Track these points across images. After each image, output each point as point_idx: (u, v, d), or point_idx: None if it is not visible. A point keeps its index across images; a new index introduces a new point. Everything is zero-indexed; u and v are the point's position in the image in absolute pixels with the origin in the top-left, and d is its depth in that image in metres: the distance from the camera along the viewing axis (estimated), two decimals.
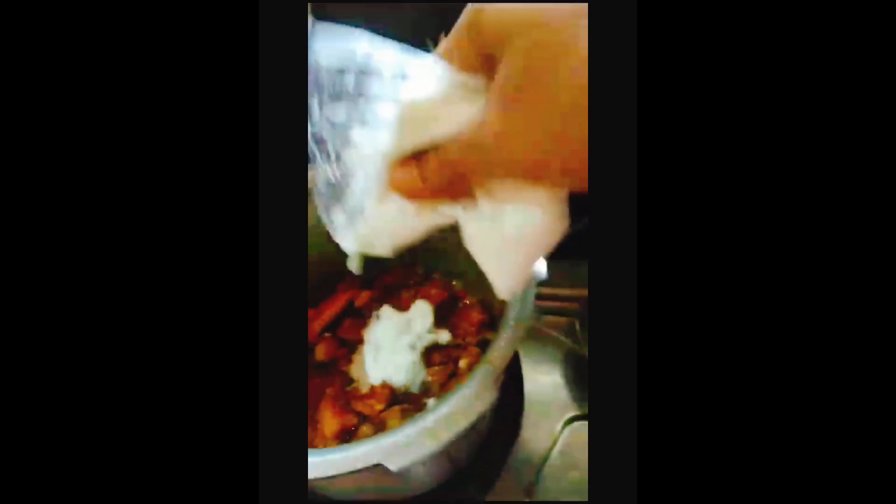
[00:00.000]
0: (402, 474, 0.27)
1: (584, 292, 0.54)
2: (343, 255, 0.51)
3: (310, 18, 0.23)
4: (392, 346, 0.43)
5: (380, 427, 0.38)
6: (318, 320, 0.47)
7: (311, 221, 0.47)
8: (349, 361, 0.45)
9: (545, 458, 0.44)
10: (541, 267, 0.35)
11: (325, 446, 0.39)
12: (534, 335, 0.52)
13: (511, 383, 0.47)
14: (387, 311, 0.46)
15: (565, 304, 0.54)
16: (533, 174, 0.19)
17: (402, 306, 0.48)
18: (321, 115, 0.23)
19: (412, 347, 0.43)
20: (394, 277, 0.52)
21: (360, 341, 0.46)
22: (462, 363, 0.42)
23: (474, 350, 0.43)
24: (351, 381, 0.44)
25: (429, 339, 0.43)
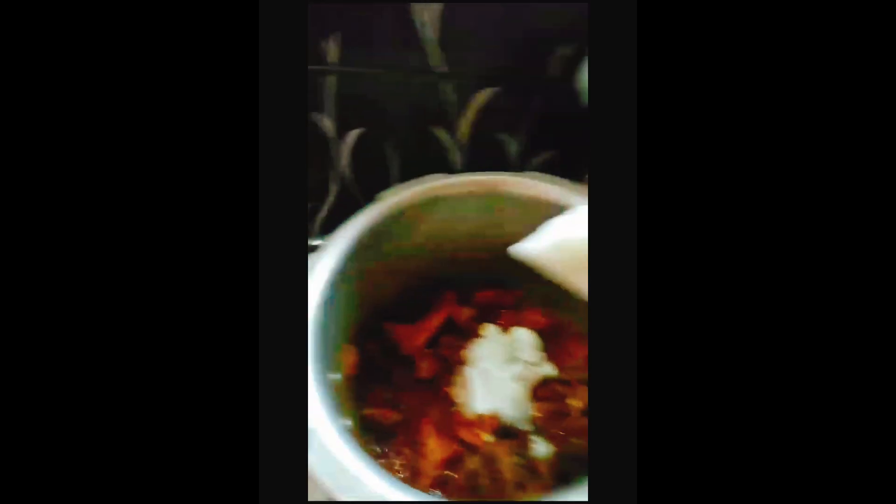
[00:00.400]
0: None
1: None
2: (437, 275, 0.51)
3: None
4: (500, 373, 0.41)
5: (489, 461, 0.38)
6: (421, 335, 0.46)
7: (417, 241, 0.47)
8: (451, 383, 0.44)
9: None
10: None
11: (430, 474, 0.38)
12: None
13: None
14: (492, 331, 0.45)
15: None
16: None
17: (503, 329, 0.47)
18: None
19: (521, 378, 0.41)
20: (492, 296, 0.50)
21: (461, 362, 0.45)
22: (573, 403, 0.41)
23: (585, 389, 0.42)
24: (454, 403, 0.43)
25: (538, 371, 0.42)
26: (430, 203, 0.45)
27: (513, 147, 0.53)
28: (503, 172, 0.44)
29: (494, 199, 0.44)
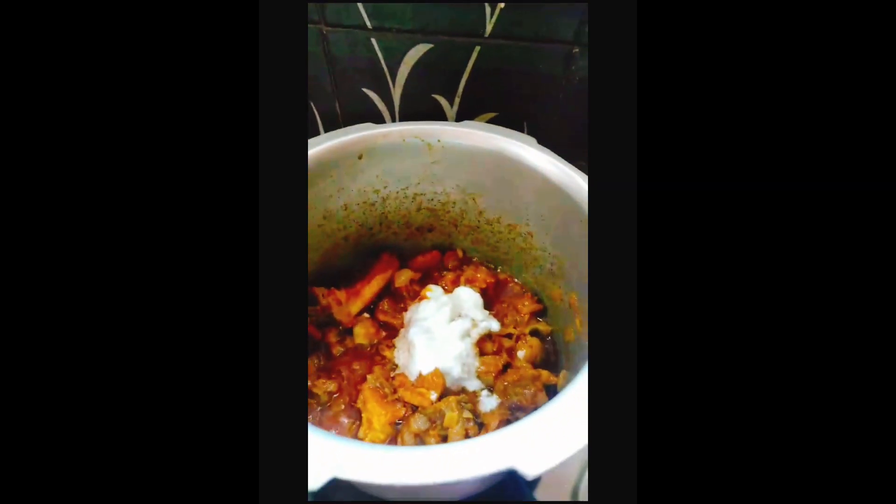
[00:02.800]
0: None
1: None
2: (378, 233, 0.47)
3: None
4: (444, 331, 0.39)
5: (436, 417, 0.35)
6: (356, 300, 0.43)
7: (346, 201, 0.43)
8: (390, 346, 0.41)
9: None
10: None
11: (372, 440, 0.35)
12: None
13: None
14: (436, 291, 0.42)
15: None
16: None
17: (446, 290, 0.44)
18: None
19: (466, 335, 0.39)
20: (430, 259, 0.48)
21: (401, 325, 0.42)
22: (522, 354, 0.39)
23: (533, 340, 0.40)
24: (394, 367, 0.40)
25: (483, 327, 0.40)
26: (360, 156, 0.41)
27: (449, 108, 0.51)
28: (440, 122, 0.42)
29: (431, 150, 0.42)
